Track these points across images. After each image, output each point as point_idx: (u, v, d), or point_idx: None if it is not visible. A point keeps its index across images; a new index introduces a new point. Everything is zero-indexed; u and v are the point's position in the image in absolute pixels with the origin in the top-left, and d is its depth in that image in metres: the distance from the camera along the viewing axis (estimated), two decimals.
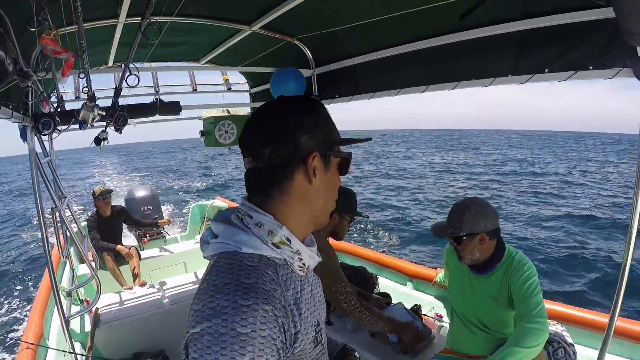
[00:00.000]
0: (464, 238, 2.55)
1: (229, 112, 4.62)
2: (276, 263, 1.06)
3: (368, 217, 2.92)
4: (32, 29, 1.87)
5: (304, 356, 1.05)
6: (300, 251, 1.07)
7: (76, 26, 2.26)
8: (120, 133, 3.67)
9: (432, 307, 4.01)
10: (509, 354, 2.24)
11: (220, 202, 8.49)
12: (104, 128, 4.06)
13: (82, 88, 3.06)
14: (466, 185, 26.98)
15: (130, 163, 68.87)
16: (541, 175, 31.42)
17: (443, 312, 3.91)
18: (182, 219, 16.01)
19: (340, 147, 1.14)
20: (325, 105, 1.15)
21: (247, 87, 5.48)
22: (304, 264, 1.10)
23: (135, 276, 5.67)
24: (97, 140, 4.18)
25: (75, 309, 4.27)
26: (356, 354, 1.54)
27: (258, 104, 4.84)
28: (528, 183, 27.36)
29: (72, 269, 5.24)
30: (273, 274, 1.03)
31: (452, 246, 2.69)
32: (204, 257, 1.13)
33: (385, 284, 4.61)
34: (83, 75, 2.83)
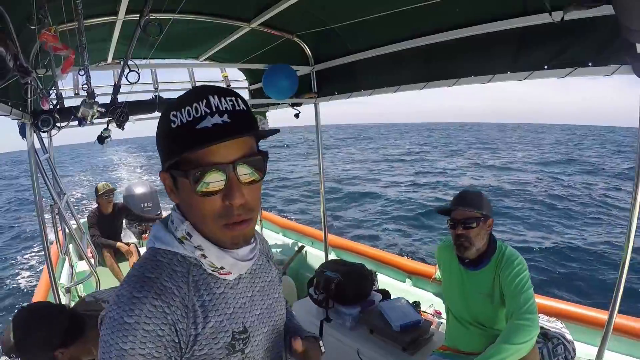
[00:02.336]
0: (481, 219, 2.53)
1: None
2: (190, 263, 1.06)
3: None
4: (32, 27, 1.87)
5: None
6: (204, 247, 1.04)
7: (76, 23, 2.26)
8: (123, 129, 3.68)
9: (431, 303, 4.02)
10: (499, 351, 2.24)
11: None
12: (106, 126, 4.06)
13: (82, 85, 3.06)
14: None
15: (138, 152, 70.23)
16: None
17: (442, 308, 3.91)
18: None
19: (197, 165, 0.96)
20: (169, 117, 0.97)
21: (246, 83, 5.47)
22: (213, 264, 1.06)
23: None
24: (100, 139, 4.19)
25: None
26: (321, 342, 1.41)
27: (257, 101, 4.87)
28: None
29: (71, 266, 5.25)
30: (183, 272, 1.04)
31: (459, 233, 2.58)
32: None
33: (384, 280, 4.62)
34: (83, 72, 2.83)
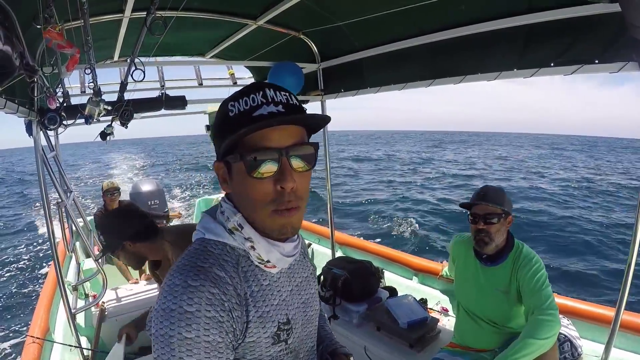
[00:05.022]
0: (502, 215, 2.55)
1: None
2: (239, 254, 1.09)
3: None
4: (38, 25, 1.87)
5: (257, 348, 1.07)
6: (254, 240, 1.07)
7: (82, 21, 2.26)
8: (126, 127, 3.68)
9: (438, 300, 4.01)
10: (525, 346, 2.25)
11: None
12: (109, 123, 4.06)
13: (88, 83, 3.07)
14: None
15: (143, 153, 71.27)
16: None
17: (449, 305, 3.91)
18: (189, 211, 15.94)
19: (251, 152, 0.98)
20: (228, 107, 1.02)
21: (252, 81, 5.45)
22: (260, 257, 1.08)
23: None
24: (103, 135, 4.19)
25: (81, 303, 4.29)
26: (351, 358, 1.52)
27: None
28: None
29: (78, 263, 5.26)
30: (233, 262, 1.07)
31: (480, 228, 2.58)
32: None
33: (391, 278, 4.61)
34: (89, 71, 2.83)
